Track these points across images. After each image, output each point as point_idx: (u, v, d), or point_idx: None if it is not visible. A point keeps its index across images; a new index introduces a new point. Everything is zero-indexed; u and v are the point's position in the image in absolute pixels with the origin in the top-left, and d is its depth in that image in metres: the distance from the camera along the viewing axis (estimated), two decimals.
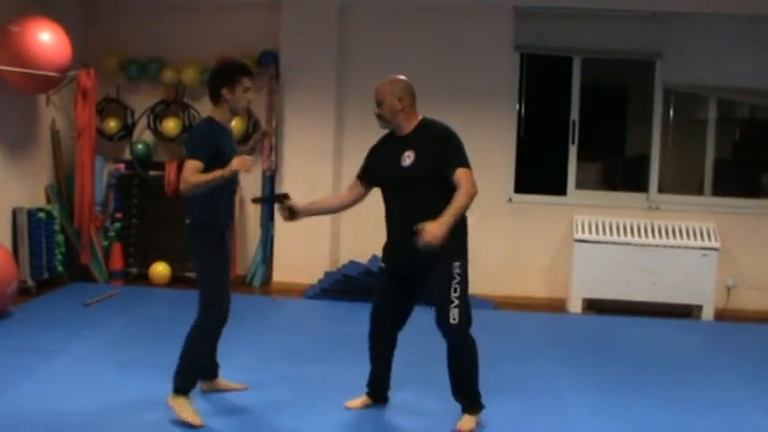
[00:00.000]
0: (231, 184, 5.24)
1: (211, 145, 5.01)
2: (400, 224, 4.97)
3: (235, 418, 5.07)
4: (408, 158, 4.99)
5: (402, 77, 5.31)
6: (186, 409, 4.90)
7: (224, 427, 4.92)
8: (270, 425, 4.98)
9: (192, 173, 4.91)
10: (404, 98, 5.18)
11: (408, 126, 5.16)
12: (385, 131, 5.27)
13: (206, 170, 4.91)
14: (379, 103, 5.18)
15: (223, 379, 5.56)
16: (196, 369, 5.13)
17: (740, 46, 8.52)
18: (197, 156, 4.95)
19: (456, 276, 4.83)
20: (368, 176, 5.25)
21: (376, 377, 5.32)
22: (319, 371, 6.00)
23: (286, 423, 4.99)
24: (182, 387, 4.97)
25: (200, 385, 5.32)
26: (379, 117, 5.19)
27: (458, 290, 4.83)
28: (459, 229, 4.82)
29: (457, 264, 4.84)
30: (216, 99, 5.17)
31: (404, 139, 5.10)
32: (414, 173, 4.94)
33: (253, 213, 9.17)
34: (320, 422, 5.02)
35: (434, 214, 4.63)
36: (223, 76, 5.21)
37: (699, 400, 5.61)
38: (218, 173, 4.87)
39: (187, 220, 5.28)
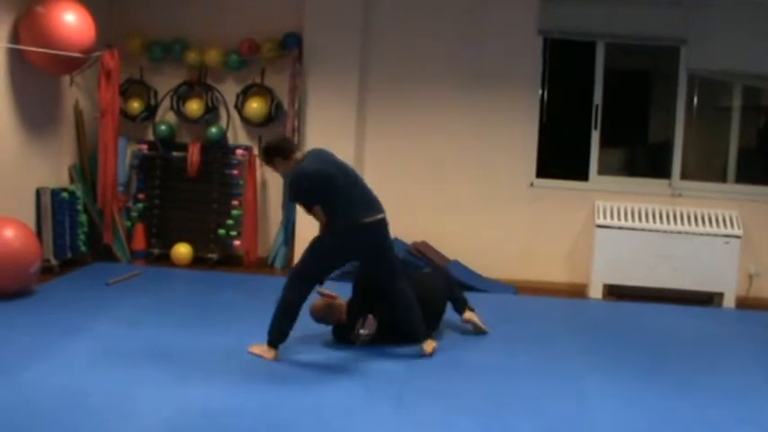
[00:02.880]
0: None
1: None
2: None
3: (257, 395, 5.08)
4: None
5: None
6: None
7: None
8: (294, 403, 4.99)
9: None
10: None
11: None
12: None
13: None
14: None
15: None
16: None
17: (765, 33, 8.44)
18: None
19: None
20: None
21: None
22: (336, 352, 6.02)
23: (308, 401, 5.00)
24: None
25: None
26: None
27: None
28: None
29: None
30: None
31: None
32: None
33: (274, 196, 9.19)
34: (339, 398, 5.04)
35: None
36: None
37: (718, 388, 5.58)
38: None
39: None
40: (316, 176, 5.78)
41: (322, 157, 5.99)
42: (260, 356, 5.76)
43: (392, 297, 5.99)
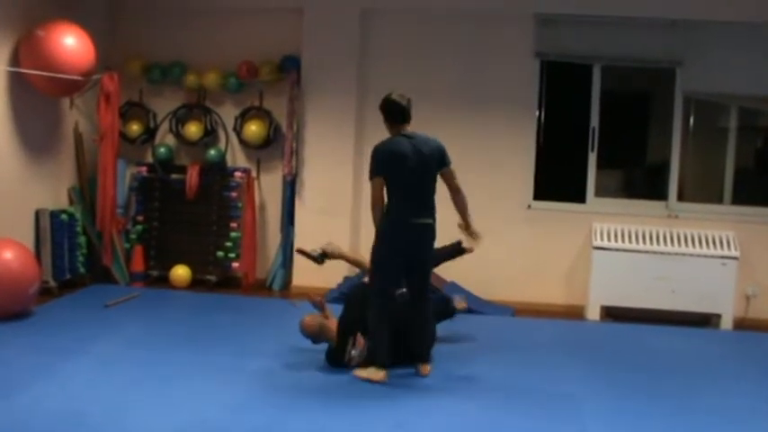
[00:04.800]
0: None
1: None
2: None
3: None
4: None
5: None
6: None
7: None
8: (294, 425, 5.00)
9: None
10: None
11: None
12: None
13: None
14: None
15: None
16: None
17: (761, 54, 8.50)
18: None
19: None
20: None
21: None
22: (334, 373, 6.03)
23: (305, 428, 5.01)
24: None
25: None
26: None
27: None
28: None
29: None
30: None
31: None
32: None
33: (273, 218, 9.21)
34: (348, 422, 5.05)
35: None
36: None
37: (716, 410, 5.58)
38: None
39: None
40: (386, 155, 5.94)
41: (412, 142, 6.02)
42: (368, 380, 5.79)
43: (413, 314, 6.02)
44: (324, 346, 6.26)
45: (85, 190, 8.82)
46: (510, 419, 5.19)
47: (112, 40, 9.09)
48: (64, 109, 8.60)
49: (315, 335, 6.30)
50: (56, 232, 8.21)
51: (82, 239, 8.54)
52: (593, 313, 8.37)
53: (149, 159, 9.22)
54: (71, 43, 7.72)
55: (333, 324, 6.30)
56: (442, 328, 6.78)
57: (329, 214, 8.87)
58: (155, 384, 5.57)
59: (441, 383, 5.90)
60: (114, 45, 9.09)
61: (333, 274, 8.71)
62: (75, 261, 8.46)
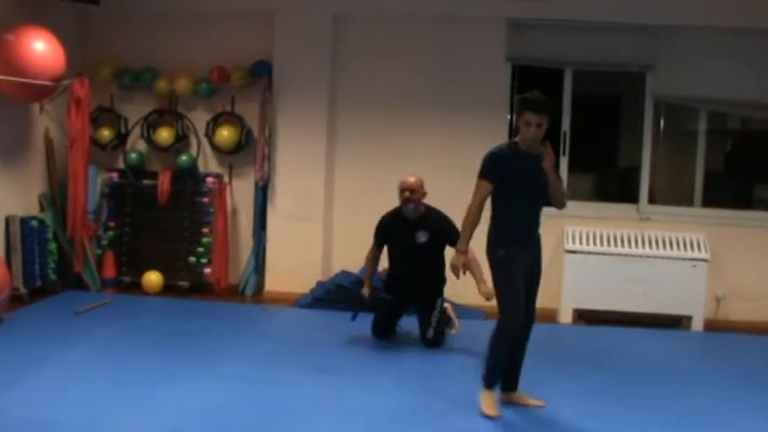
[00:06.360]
0: None
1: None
2: None
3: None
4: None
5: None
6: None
7: None
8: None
9: None
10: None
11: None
12: None
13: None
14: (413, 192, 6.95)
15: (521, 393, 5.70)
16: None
17: (729, 59, 8.58)
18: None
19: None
20: None
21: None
22: (308, 379, 6.02)
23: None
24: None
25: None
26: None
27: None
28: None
29: None
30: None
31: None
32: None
33: (245, 223, 9.20)
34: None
35: None
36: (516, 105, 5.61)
37: (687, 411, 5.64)
38: None
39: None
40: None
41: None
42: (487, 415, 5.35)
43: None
44: (307, 341, 6.26)
45: (56, 196, 8.76)
46: (481, 423, 5.22)
47: (83, 46, 9.05)
48: (34, 115, 8.54)
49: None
50: (26, 239, 8.15)
51: (53, 246, 8.48)
52: (566, 316, 8.40)
53: (121, 165, 9.18)
54: (41, 48, 7.67)
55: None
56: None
57: (301, 219, 8.86)
58: (126, 392, 5.53)
59: (413, 389, 5.92)
60: (85, 50, 9.04)
61: (305, 279, 8.72)
62: (46, 268, 8.40)
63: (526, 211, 5.54)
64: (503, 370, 5.57)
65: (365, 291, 7.24)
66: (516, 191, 5.42)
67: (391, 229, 7.15)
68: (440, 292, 7.22)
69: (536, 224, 5.61)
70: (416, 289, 7.12)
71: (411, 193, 6.96)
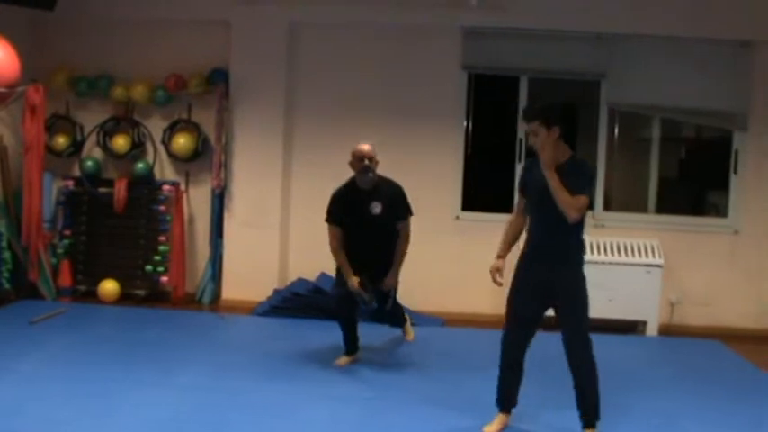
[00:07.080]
0: None
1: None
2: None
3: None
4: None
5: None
6: None
7: None
8: None
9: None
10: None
11: None
12: None
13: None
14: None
15: None
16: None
17: (683, 67, 8.71)
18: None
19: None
20: None
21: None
22: (265, 388, 6.02)
23: None
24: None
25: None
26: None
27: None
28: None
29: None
30: None
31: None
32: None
33: (202, 231, 9.17)
34: None
35: None
36: None
37: (639, 415, 5.73)
38: None
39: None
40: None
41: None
42: None
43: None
44: (264, 349, 6.26)
45: (11, 204, 8.67)
46: (442, 428, 5.25)
47: (38, 52, 8.95)
48: None
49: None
50: None
51: (7, 254, 8.40)
52: None
53: (76, 173, 9.12)
54: None
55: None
56: (374, 337, 6.82)
57: (258, 227, 8.85)
58: (82, 402, 5.50)
59: (367, 393, 5.94)
60: (39, 56, 8.94)
61: (263, 287, 8.71)
62: (1, 277, 8.32)
63: (540, 226, 5.25)
64: (500, 385, 5.55)
65: (353, 281, 6.56)
66: (530, 205, 5.31)
67: (346, 202, 6.72)
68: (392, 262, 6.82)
69: (557, 240, 5.23)
70: (372, 261, 6.68)
71: (370, 161, 6.61)
